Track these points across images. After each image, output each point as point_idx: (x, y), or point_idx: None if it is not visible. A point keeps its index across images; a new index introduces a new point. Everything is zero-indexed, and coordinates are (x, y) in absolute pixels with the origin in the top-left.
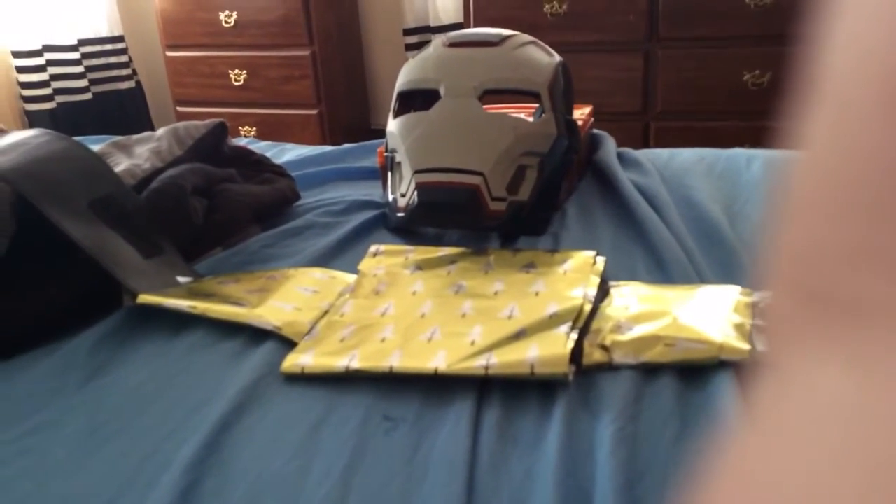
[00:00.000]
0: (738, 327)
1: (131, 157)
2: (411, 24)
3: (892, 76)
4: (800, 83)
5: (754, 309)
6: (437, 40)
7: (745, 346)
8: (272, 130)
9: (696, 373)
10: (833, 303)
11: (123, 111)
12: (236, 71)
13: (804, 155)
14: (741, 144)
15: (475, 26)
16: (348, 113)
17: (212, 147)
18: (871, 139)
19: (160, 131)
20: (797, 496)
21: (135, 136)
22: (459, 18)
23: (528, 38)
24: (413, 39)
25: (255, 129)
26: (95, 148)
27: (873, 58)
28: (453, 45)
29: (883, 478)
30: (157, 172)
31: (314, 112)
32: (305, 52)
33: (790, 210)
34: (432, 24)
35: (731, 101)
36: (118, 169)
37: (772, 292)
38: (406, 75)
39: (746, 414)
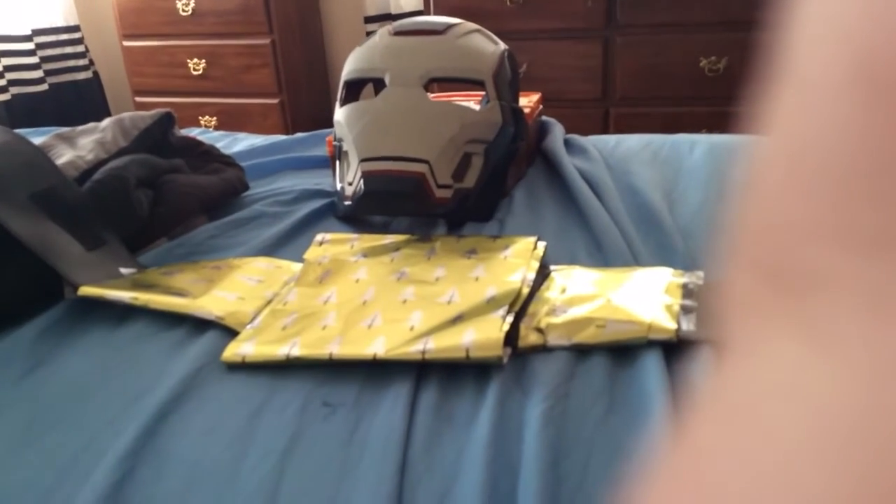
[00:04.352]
0: (668, 307)
1: (75, 148)
2: (372, 12)
3: (859, 56)
4: (764, 64)
5: (684, 290)
6: (383, 29)
7: (673, 326)
8: (233, 120)
9: (625, 352)
10: (794, 279)
11: (81, 102)
12: (195, 60)
13: (768, 134)
14: (699, 129)
15: (435, 14)
16: (310, 101)
17: (158, 137)
18: (837, 118)
19: (105, 122)
20: (757, 479)
21: (79, 128)
22: (420, 6)
23: (473, 26)
24: (374, 27)
25: (215, 118)
26: (41, 140)
27: (841, 38)
28: (399, 33)
29: (850, 454)
30: (100, 164)
31: (275, 101)
32: (265, 41)
33: (752, 188)
34: (393, 11)
35: (688, 87)
36: (61, 161)
37: (729, 270)
38: (352, 64)
39: (686, 394)
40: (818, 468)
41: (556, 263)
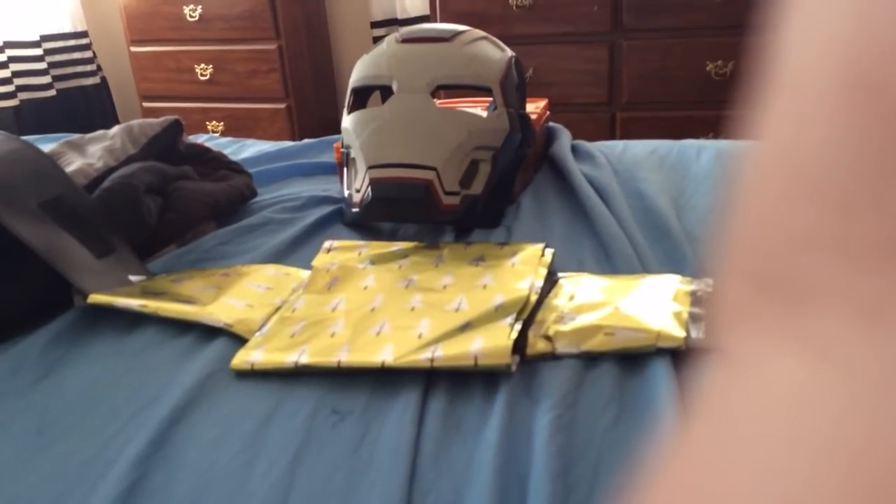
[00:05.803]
0: (676, 315)
1: (84, 156)
2: (378, 17)
3: (848, 65)
4: (758, 71)
5: (692, 297)
6: (391, 36)
7: (681, 334)
8: (240, 125)
9: (634, 360)
10: (786, 289)
11: (89, 108)
12: (202, 65)
13: (760, 142)
14: (705, 134)
15: (441, 19)
16: (317, 106)
17: (166, 145)
18: (826, 127)
19: (114, 129)
20: (751, 488)
21: (88, 135)
22: (426, 11)
23: (480, 33)
24: (381, 32)
25: (222, 123)
26: (50, 147)
27: (831, 47)
28: (406, 40)
29: (841, 464)
30: (109, 171)
31: (282, 106)
32: (272, 46)
33: (744, 196)
34: (399, 16)
35: (694, 91)
36: (71, 168)
37: (723, 279)
38: (360, 71)
39: (690, 402)
40: (810, 477)
41: (564, 270)
